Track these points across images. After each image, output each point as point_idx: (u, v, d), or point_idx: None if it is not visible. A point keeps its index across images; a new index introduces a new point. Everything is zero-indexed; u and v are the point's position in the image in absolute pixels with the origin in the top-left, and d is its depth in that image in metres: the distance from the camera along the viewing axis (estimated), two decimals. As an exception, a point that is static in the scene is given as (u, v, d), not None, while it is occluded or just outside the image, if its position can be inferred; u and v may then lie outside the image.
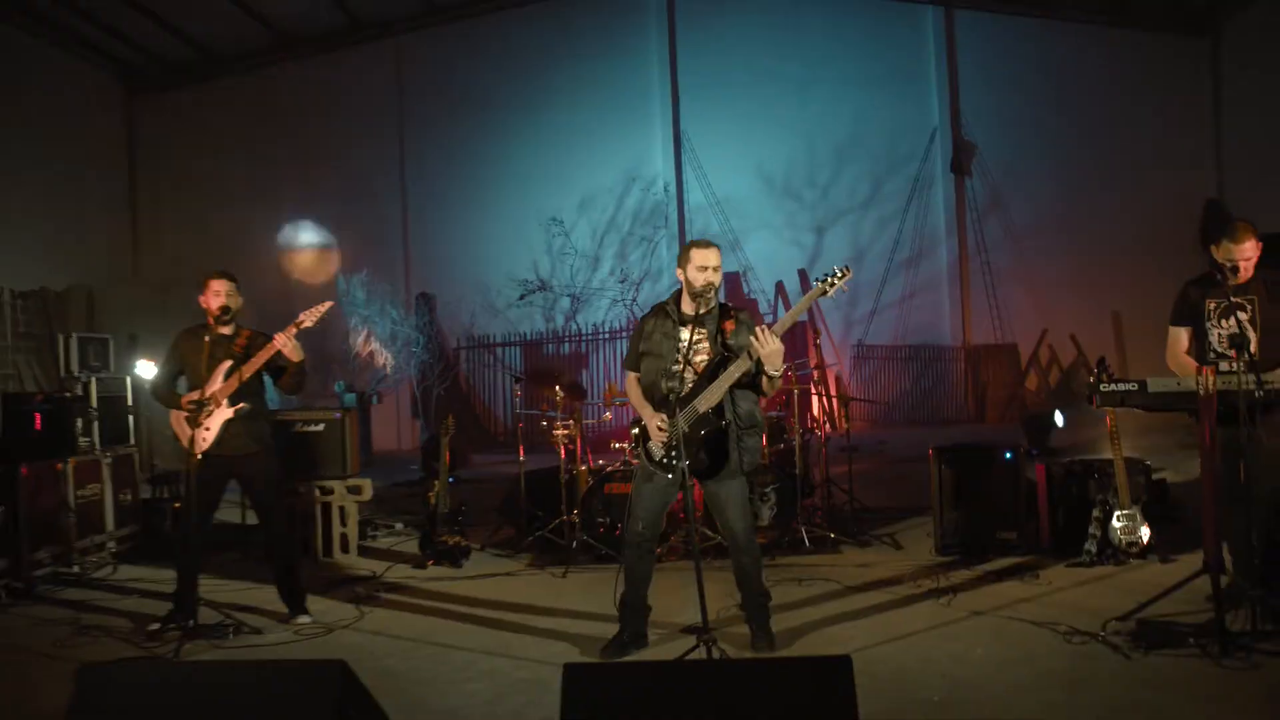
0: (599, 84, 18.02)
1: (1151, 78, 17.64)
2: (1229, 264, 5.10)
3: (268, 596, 6.14)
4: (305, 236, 17.67)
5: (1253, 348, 5.00)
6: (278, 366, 5.84)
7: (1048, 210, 17.63)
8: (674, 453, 4.76)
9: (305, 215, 17.64)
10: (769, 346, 4.57)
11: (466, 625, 5.73)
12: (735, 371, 4.72)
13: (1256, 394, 4.66)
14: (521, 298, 17.40)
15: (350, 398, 14.36)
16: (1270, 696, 4.10)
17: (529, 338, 17.77)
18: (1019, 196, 17.87)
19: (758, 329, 4.61)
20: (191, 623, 5.50)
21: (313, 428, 7.87)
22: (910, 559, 6.93)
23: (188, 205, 18.06)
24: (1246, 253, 5.09)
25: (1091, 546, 6.42)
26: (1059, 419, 11.32)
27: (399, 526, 8.90)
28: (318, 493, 7.74)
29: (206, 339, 5.73)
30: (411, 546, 7.85)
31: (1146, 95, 17.58)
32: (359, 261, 16.38)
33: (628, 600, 5.05)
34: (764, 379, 4.75)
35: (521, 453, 8.15)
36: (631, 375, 5.10)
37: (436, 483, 7.52)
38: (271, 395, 6.19)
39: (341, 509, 7.76)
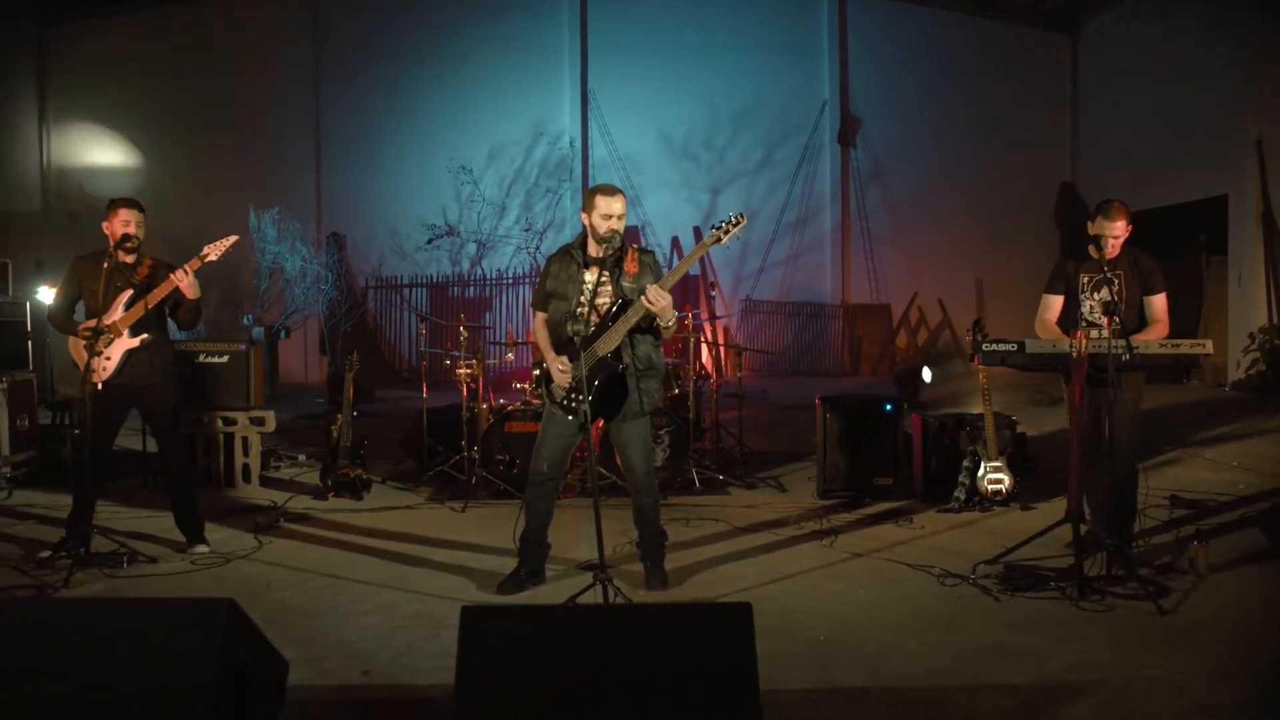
0: (512, 39, 17.48)
1: (1018, 68, 17.96)
2: (1101, 239, 5.06)
3: (166, 525, 5.72)
4: (215, 171, 16.70)
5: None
6: (175, 301, 5.37)
7: (923, 183, 17.87)
8: (576, 394, 4.51)
9: (217, 149, 16.66)
10: (660, 302, 4.38)
11: (365, 558, 5.44)
12: (633, 316, 4.49)
13: (1124, 357, 4.64)
14: (430, 241, 16.89)
15: (259, 331, 13.67)
16: (1120, 634, 4.12)
17: (436, 280, 17.27)
18: (898, 169, 18.03)
19: (648, 289, 4.38)
20: (83, 550, 5.06)
21: (216, 359, 7.40)
22: (794, 501, 6.88)
23: (100, 134, 16.88)
24: (1117, 230, 5.06)
25: (960, 494, 6.45)
26: (926, 375, 11.44)
27: (302, 458, 8.47)
28: (220, 423, 7.28)
29: (106, 265, 5.21)
30: (314, 478, 7.46)
31: (1013, 84, 17.90)
32: (270, 198, 15.55)
33: (527, 537, 4.82)
34: (660, 329, 4.57)
35: (425, 390, 7.83)
36: (539, 315, 4.86)
37: (340, 416, 7.15)
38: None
39: (244, 439, 7.34)
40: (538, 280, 5.03)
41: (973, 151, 17.79)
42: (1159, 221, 14.31)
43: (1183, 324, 14.08)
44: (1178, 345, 4.79)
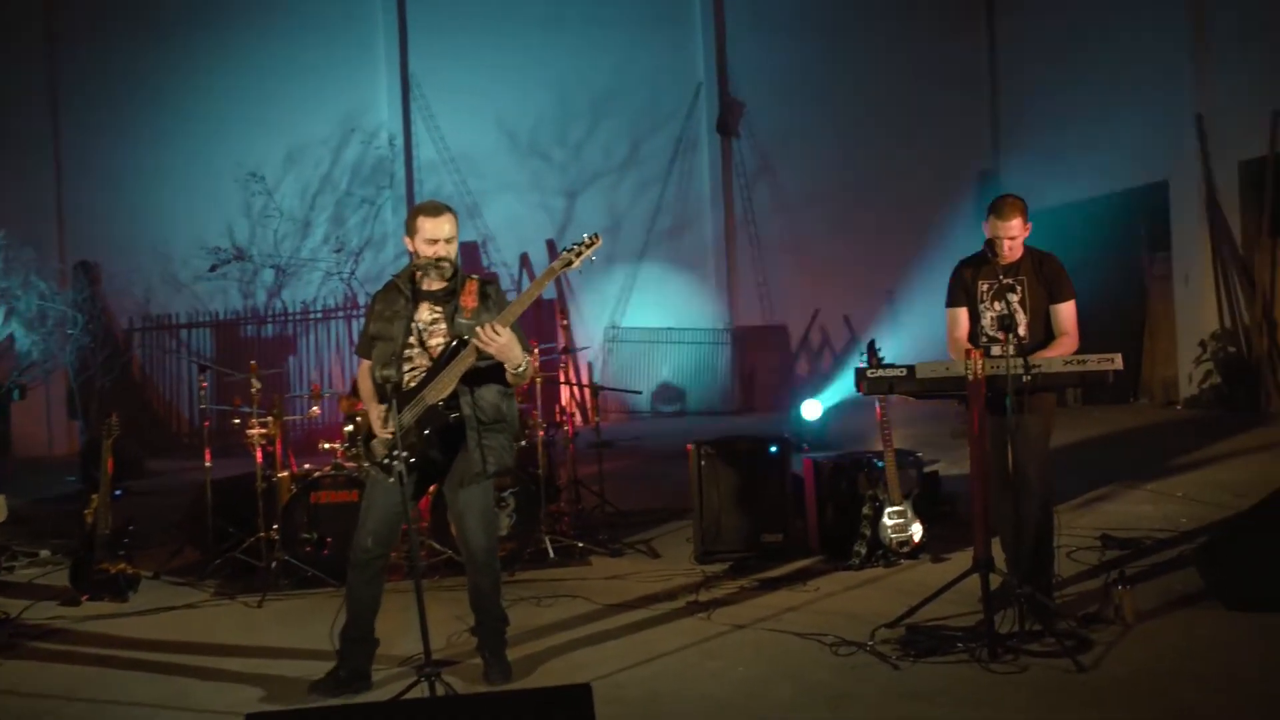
0: (310, 13, 17.30)
1: (927, 41, 18.63)
2: (997, 240, 5.46)
3: None
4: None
5: (1021, 330, 5.40)
6: None
7: (821, 179, 18.39)
8: (397, 451, 4.63)
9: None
10: (495, 342, 4.53)
11: (133, 674, 5.37)
12: (467, 358, 4.65)
13: (1024, 378, 5.01)
14: (213, 269, 16.63)
15: (-17, 392, 13.23)
16: (1035, 698, 4.44)
17: (223, 317, 17.01)
18: (790, 163, 18.56)
19: (480, 328, 4.54)
20: None
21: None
22: (669, 569, 7.05)
23: None
24: (1013, 230, 5.45)
25: (861, 548, 6.73)
26: (811, 411, 11.79)
27: (45, 554, 8.24)
28: (-67, 515, 7.07)
29: None
30: (63, 579, 7.27)
31: (923, 60, 18.55)
32: (-7, 221, 15.02)
33: (349, 631, 4.89)
34: (507, 373, 4.71)
35: (208, 457, 7.74)
36: (364, 363, 4.99)
37: (95, 497, 7.03)
38: None
39: (-33, 534, 7.13)
40: (355, 314, 5.17)
41: (878, 141, 18.41)
42: (1093, 213, 15.27)
43: (1126, 332, 15.00)
44: (1084, 361, 5.17)
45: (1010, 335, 5.05)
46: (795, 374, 18.21)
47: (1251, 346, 13.19)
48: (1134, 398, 15.04)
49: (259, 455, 7.21)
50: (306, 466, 7.54)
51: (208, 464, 7.68)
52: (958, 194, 18.36)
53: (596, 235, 4.69)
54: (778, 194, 18.59)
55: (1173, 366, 14.57)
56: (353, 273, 17.02)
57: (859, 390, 5.40)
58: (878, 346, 5.96)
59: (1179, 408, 14.00)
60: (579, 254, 4.64)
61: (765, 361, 18.20)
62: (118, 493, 7.25)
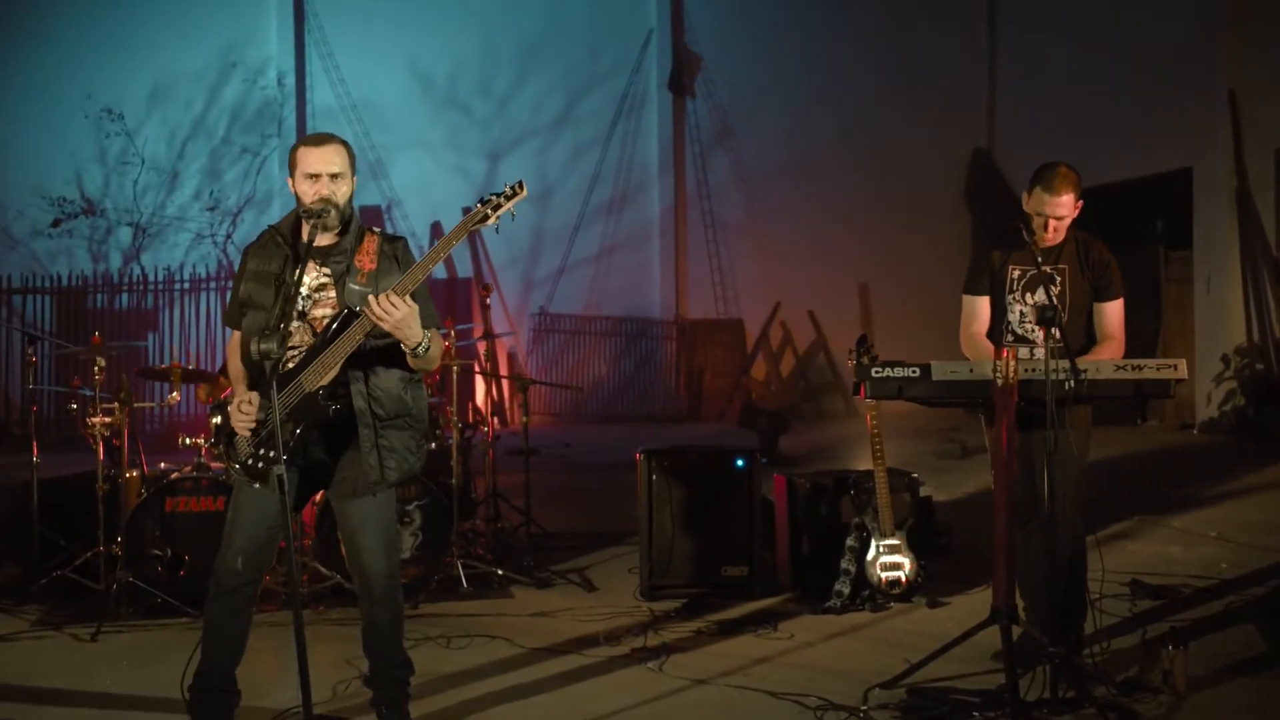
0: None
1: (923, 2, 18.66)
2: (1039, 218, 5.20)
3: None
4: None
5: (1060, 328, 5.14)
6: None
7: (787, 150, 18.41)
8: (266, 449, 4.25)
9: None
10: (392, 315, 4.17)
11: (-78, 724, 4.98)
12: (356, 334, 4.27)
13: (1067, 385, 4.72)
14: (56, 224, 16.53)
15: None
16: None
17: (68, 283, 16.65)
18: (753, 130, 18.59)
19: (373, 297, 4.20)
20: None
21: None
22: (608, 604, 6.83)
23: None
24: (1062, 208, 5.21)
25: (844, 587, 6.50)
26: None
27: None
28: None
29: None
30: None
31: (917, 21, 18.58)
32: None
33: (205, 677, 4.56)
34: (406, 355, 4.40)
35: (35, 450, 7.35)
36: (235, 335, 4.69)
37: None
38: None
39: None
40: (229, 286, 4.79)
41: (857, 108, 18.41)
42: (1103, 203, 15.15)
43: (1135, 342, 14.79)
44: (1140, 368, 4.94)
45: (1052, 331, 4.78)
46: (750, 377, 18.03)
47: (1284, 364, 13.19)
48: (1142, 419, 14.96)
49: (101, 450, 6.93)
50: (162, 466, 7.28)
51: (35, 459, 7.34)
52: (947, 174, 18.43)
53: (521, 184, 4.34)
54: (737, 165, 18.58)
55: (1189, 384, 14.52)
56: (229, 236, 16.98)
57: (857, 393, 5.16)
58: (869, 343, 5.69)
59: (1195, 432, 14.02)
60: (497, 206, 4.27)
61: (716, 361, 18.17)
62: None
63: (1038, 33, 17.58)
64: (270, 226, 4.68)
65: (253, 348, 4.36)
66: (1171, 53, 14.62)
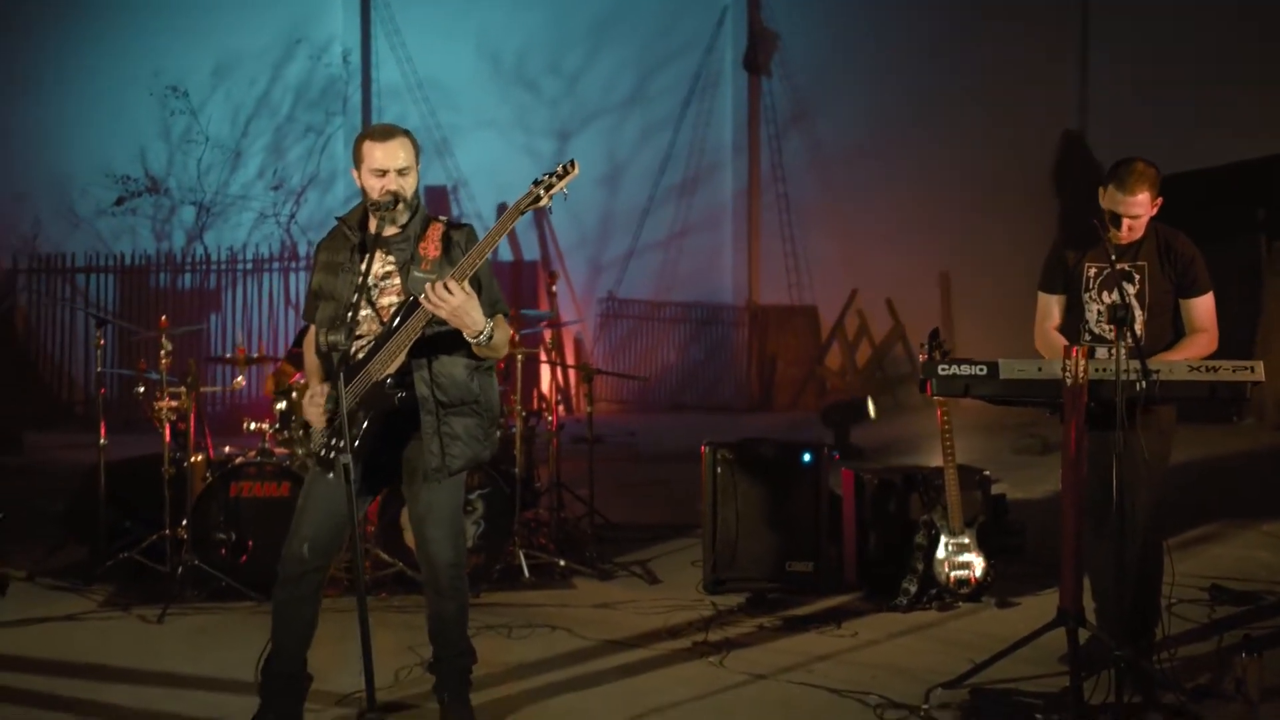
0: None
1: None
2: (1114, 216, 5.24)
3: None
4: None
5: (1138, 327, 5.18)
6: None
7: (866, 132, 18.23)
8: (337, 440, 4.41)
9: None
10: (445, 305, 4.28)
11: (-8, 702, 5.21)
12: (419, 321, 4.42)
13: (1139, 386, 4.78)
14: (119, 202, 16.69)
15: None
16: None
17: (130, 262, 16.88)
18: (829, 110, 18.45)
19: (429, 285, 4.30)
20: None
21: None
22: (670, 598, 6.92)
23: None
24: (1138, 207, 5.21)
25: (911, 585, 6.56)
26: (871, 410, 11.72)
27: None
28: None
29: None
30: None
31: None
32: None
33: (276, 665, 4.68)
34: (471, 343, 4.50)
35: (103, 432, 7.55)
36: (312, 330, 4.84)
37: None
38: None
39: None
40: (294, 267, 4.97)
41: (939, 89, 18.16)
42: (1198, 190, 15.02)
43: (1232, 336, 14.60)
44: (1215, 369, 4.96)
45: (1125, 330, 4.81)
46: (824, 366, 18.01)
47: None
48: (1237, 417, 14.79)
49: (167, 433, 7.09)
50: (227, 450, 7.42)
51: (103, 441, 7.50)
52: (1035, 159, 18.14)
53: (573, 162, 4.42)
54: (813, 147, 18.48)
55: (1286, 381, 14.39)
56: (293, 216, 17.07)
57: (924, 390, 5.21)
58: (940, 337, 5.75)
59: (1293, 431, 13.86)
60: (550, 186, 4.37)
61: (789, 349, 18.13)
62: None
63: (1133, 6, 17.36)
64: (338, 219, 4.80)
65: (320, 339, 4.56)
66: (1275, 30, 14.42)
